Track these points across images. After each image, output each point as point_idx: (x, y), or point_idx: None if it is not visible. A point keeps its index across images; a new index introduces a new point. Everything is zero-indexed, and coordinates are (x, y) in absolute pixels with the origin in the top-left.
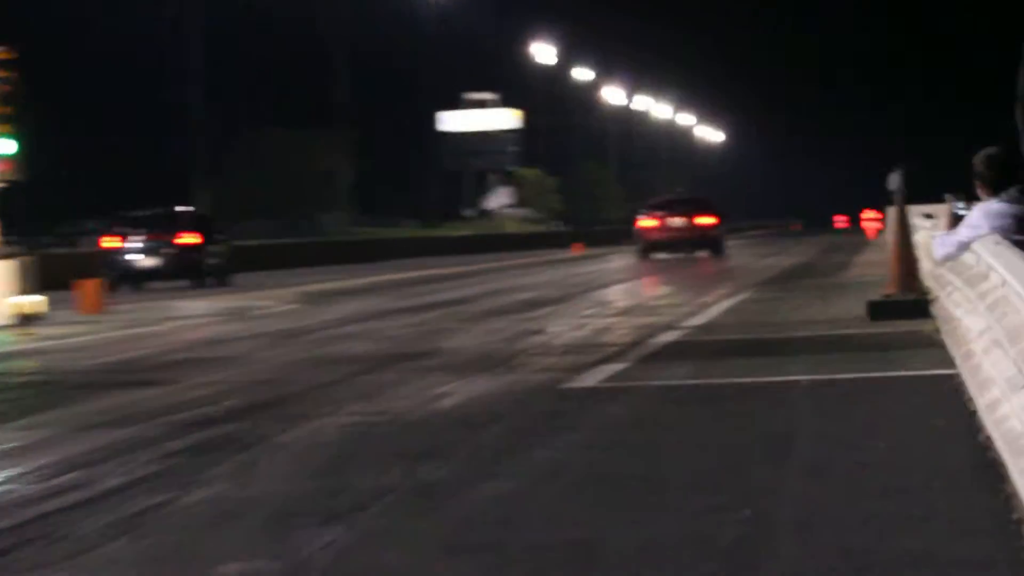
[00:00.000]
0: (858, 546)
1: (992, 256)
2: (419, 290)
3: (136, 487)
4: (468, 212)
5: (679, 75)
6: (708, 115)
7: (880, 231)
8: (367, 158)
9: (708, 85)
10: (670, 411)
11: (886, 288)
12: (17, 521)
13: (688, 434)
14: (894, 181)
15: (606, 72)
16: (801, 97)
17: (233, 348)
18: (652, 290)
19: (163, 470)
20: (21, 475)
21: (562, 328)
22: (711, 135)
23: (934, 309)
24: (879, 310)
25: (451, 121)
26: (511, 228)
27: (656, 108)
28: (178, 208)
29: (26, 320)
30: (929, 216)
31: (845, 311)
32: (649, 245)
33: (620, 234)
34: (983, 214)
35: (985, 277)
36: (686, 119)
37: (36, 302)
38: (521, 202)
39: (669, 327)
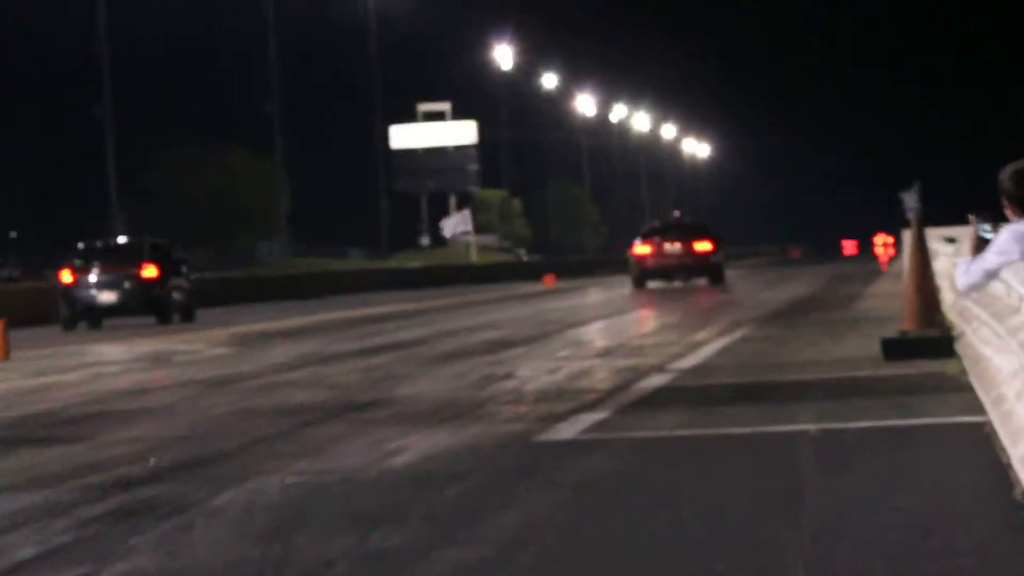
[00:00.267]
0: None
1: None
2: (369, 330)
3: (51, 559)
4: (423, 240)
5: (660, 82)
6: (694, 127)
7: (894, 258)
8: (308, 179)
9: (694, 92)
10: (658, 467)
11: (903, 323)
12: None
13: (679, 494)
14: (910, 199)
15: (577, 80)
16: (801, 104)
17: (157, 399)
18: (636, 327)
19: (80, 539)
20: None
21: (534, 372)
22: (698, 149)
23: (959, 347)
24: (895, 349)
25: (403, 136)
26: (473, 258)
27: (635, 119)
28: (139, 237)
29: None
30: (951, 240)
31: (856, 350)
32: (644, 273)
33: (597, 264)
34: (1013, 237)
35: (1017, 311)
36: (669, 132)
37: None
38: (483, 228)
39: (656, 370)
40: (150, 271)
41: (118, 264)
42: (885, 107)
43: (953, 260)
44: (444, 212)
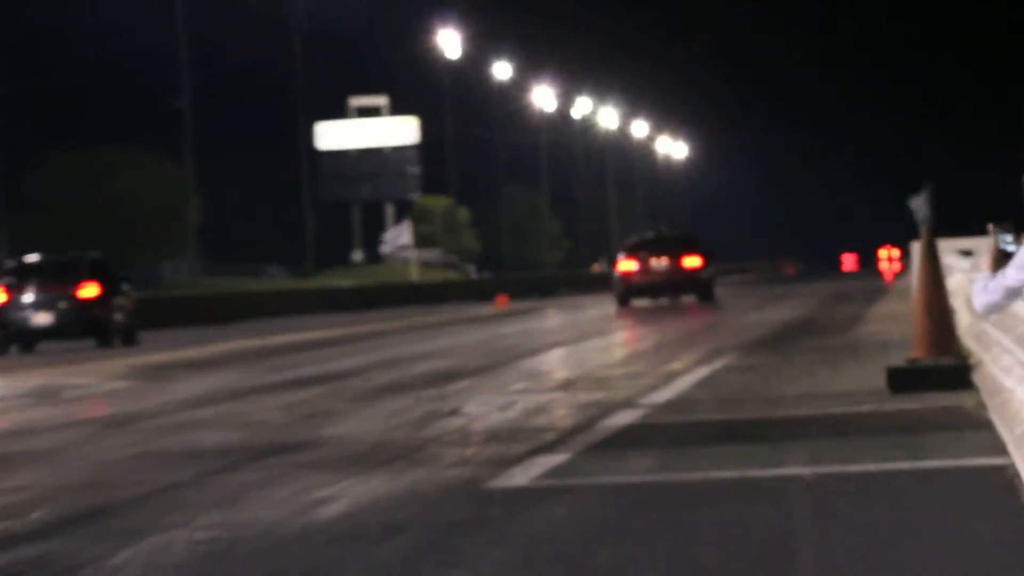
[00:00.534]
0: None
1: None
2: (292, 360)
3: None
4: (355, 256)
5: (630, 72)
6: (669, 124)
7: (901, 274)
8: (220, 186)
9: (669, 83)
10: (627, 518)
11: (912, 350)
12: None
13: (651, 549)
14: (920, 206)
15: (535, 69)
16: (796, 98)
17: (43, 441)
18: (602, 355)
19: None
20: None
21: (484, 408)
22: (673, 149)
23: (976, 377)
24: (903, 379)
25: (332, 135)
26: (413, 276)
27: (602, 115)
28: (76, 254)
29: None
30: (967, 253)
31: (858, 381)
32: (629, 290)
33: (558, 282)
34: None
35: None
36: (640, 129)
37: None
38: (426, 241)
39: (625, 405)
40: (89, 290)
41: (54, 282)
42: (890, 102)
43: (969, 276)
44: (379, 223)
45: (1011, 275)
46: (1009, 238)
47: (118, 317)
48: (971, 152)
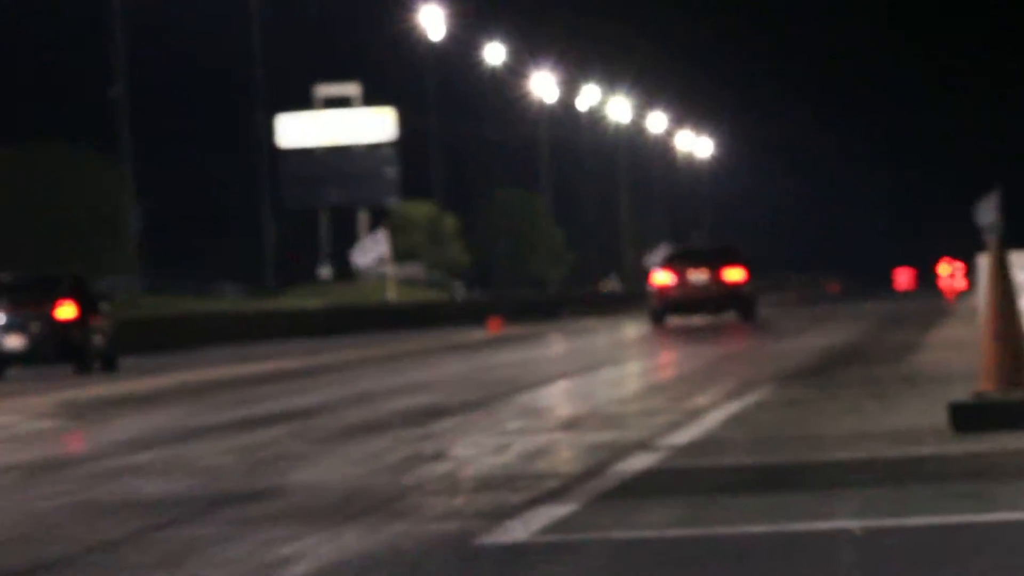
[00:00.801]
0: None
1: None
2: (249, 394)
3: None
4: (324, 272)
5: (647, 56)
6: (692, 117)
7: (965, 292)
8: (165, 189)
9: (692, 70)
10: None
11: (979, 383)
12: None
13: None
14: (988, 213)
15: (534, 53)
16: (839, 89)
17: None
18: (614, 388)
19: None
20: None
21: (474, 450)
22: (697, 146)
23: None
24: (968, 417)
25: (296, 130)
26: (391, 296)
27: (612, 106)
28: (52, 271)
29: None
30: None
31: (915, 419)
32: (665, 306)
33: (561, 302)
34: None
35: None
36: (658, 123)
37: None
38: (406, 255)
39: (641, 447)
40: (66, 311)
41: (28, 302)
42: (953, 94)
43: None
44: (351, 233)
45: None
46: None
47: (97, 340)
48: None
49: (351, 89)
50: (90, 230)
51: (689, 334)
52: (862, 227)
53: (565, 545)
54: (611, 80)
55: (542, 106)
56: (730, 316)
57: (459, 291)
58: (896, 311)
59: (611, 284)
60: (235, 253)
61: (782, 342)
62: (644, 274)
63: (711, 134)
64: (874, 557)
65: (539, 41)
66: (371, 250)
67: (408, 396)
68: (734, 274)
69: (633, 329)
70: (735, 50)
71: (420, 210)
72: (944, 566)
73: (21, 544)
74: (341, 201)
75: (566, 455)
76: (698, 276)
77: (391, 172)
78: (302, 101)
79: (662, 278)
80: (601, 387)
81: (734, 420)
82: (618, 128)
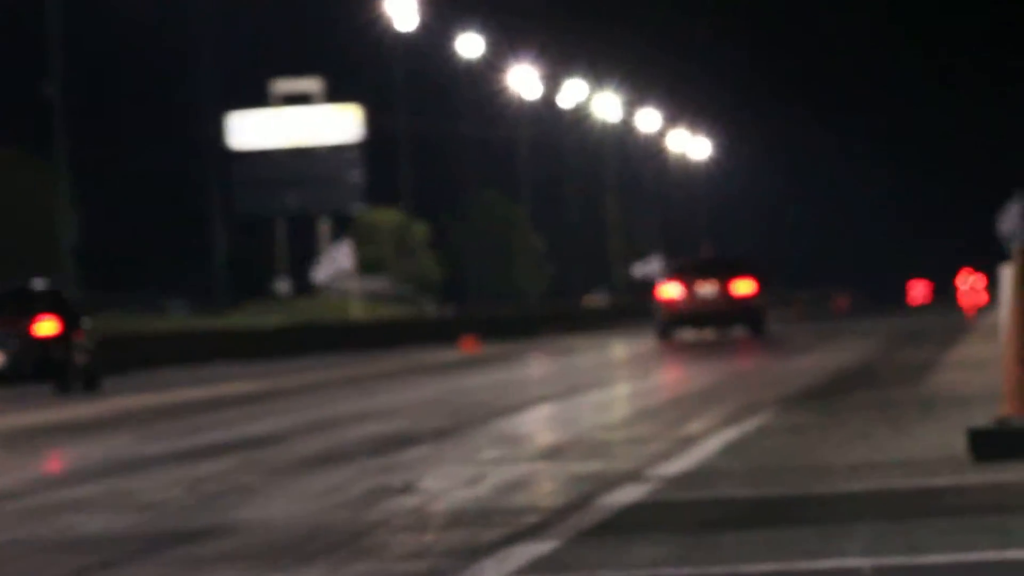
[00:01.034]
0: None
1: None
2: (198, 421)
3: None
4: (280, 286)
5: (634, 49)
6: (686, 116)
7: (986, 307)
8: (105, 195)
9: (685, 63)
10: None
11: (1001, 407)
12: None
13: None
14: (1010, 219)
15: (512, 45)
16: (852, 90)
17: None
18: (601, 413)
19: None
20: None
21: (446, 482)
22: (691, 146)
23: None
24: (989, 444)
25: (250, 130)
26: (355, 312)
27: (598, 103)
28: (31, 284)
29: None
30: None
31: (931, 446)
32: (672, 320)
33: (542, 319)
34: None
35: None
36: (649, 121)
37: None
38: (371, 267)
39: (629, 478)
40: (47, 326)
41: (5, 317)
42: (969, 92)
43: None
44: (311, 244)
45: None
46: None
47: (79, 358)
48: None
49: (312, 85)
50: (18, 240)
51: (687, 352)
52: (865, 230)
53: None
54: (598, 75)
55: (522, 103)
56: (739, 330)
57: (430, 307)
58: (910, 327)
59: (597, 300)
60: (183, 266)
61: (786, 361)
62: (633, 286)
63: (707, 133)
64: None
65: (519, 32)
66: (333, 262)
67: (373, 423)
68: (744, 287)
69: (622, 348)
70: (732, 45)
71: (387, 218)
72: None
73: None
74: (300, 208)
75: (546, 487)
76: (707, 289)
77: (356, 176)
78: (257, 98)
79: (669, 291)
80: (586, 412)
81: (732, 448)
82: (605, 126)
